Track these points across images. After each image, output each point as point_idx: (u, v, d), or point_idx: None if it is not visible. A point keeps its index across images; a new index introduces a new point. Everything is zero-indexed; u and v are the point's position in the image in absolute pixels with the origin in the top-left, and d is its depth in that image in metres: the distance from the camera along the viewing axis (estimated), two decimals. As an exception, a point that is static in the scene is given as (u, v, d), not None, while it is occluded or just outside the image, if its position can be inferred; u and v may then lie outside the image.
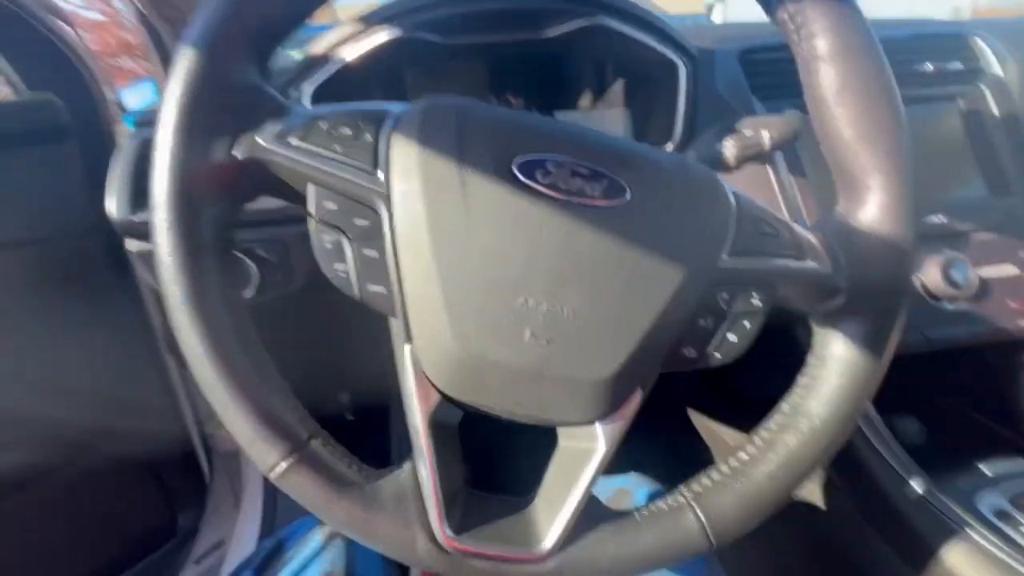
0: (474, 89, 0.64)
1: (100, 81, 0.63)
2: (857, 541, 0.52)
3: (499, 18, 0.52)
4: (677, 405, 0.80)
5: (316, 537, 0.37)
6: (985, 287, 0.51)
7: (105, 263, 0.64)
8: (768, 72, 0.54)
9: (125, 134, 0.66)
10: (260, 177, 0.27)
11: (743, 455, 0.28)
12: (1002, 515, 0.43)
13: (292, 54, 0.67)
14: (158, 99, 0.53)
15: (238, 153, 0.26)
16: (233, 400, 0.24)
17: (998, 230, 0.53)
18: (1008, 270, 0.52)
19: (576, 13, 0.50)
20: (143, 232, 0.45)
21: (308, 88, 0.49)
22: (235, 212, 0.28)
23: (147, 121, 0.45)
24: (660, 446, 0.83)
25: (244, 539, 0.89)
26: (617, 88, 0.60)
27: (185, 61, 0.25)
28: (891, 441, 0.49)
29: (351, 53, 0.49)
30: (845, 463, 0.51)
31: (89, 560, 0.68)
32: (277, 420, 0.25)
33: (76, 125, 0.59)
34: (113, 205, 0.44)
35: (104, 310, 0.66)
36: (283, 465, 0.25)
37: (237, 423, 0.25)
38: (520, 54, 0.59)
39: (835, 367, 0.29)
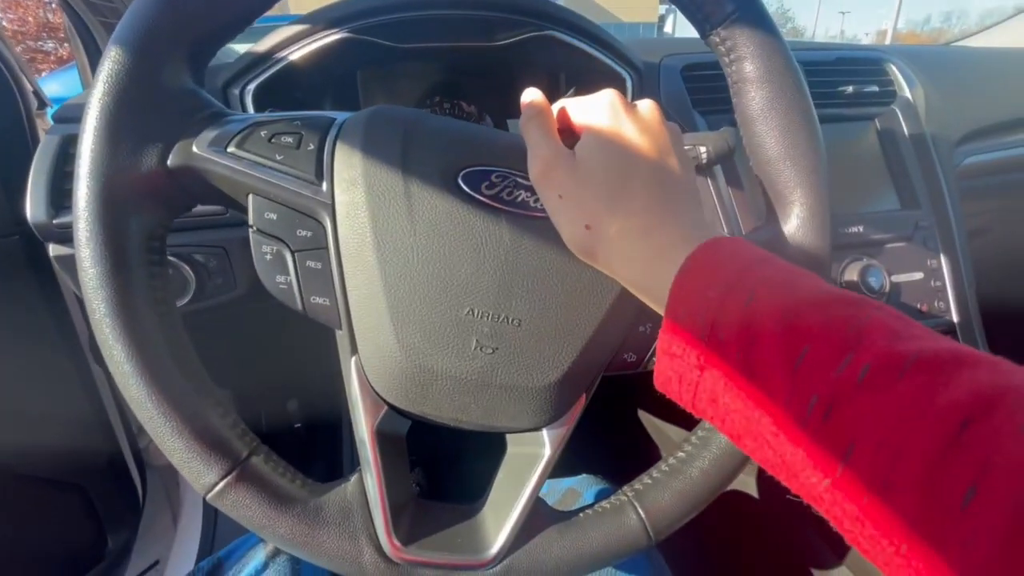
0: (427, 94, 0.63)
1: (15, 66, 0.58)
2: (786, 527, 0.56)
3: (450, 25, 0.52)
4: (626, 406, 0.83)
5: (259, 555, 0.36)
6: (896, 290, 0.56)
7: (24, 266, 0.59)
8: (708, 88, 0.57)
9: (47, 127, 0.61)
10: (195, 186, 0.26)
11: (680, 454, 0.30)
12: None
13: (234, 48, 0.64)
14: (82, 91, 0.50)
15: (171, 161, 0.25)
16: (164, 418, 0.23)
17: (908, 240, 0.58)
18: (916, 276, 0.58)
19: (526, 24, 0.51)
20: (65, 236, 0.42)
21: (251, 87, 0.47)
22: (167, 222, 0.26)
23: (68, 116, 0.42)
24: (611, 447, 0.86)
25: (182, 558, 0.85)
26: (569, 97, 0.62)
27: (112, 61, 0.24)
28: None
29: (297, 52, 0.47)
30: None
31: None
32: (213, 437, 0.24)
33: (-14, 116, 0.54)
34: (31, 207, 0.41)
35: (23, 317, 0.60)
36: (221, 484, 0.24)
37: (169, 442, 0.24)
38: (474, 61, 0.60)
39: None
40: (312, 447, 0.94)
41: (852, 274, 0.54)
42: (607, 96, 0.28)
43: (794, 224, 0.31)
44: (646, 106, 0.28)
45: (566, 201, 0.25)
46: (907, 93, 0.63)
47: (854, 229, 0.56)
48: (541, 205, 0.27)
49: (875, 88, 0.62)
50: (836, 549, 0.47)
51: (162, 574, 0.83)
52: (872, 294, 0.54)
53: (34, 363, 0.62)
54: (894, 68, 0.65)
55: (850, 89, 0.60)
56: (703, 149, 0.41)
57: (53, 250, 0.43)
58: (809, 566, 0.51)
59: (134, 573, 0.80)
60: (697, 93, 0.57)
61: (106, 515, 0.74)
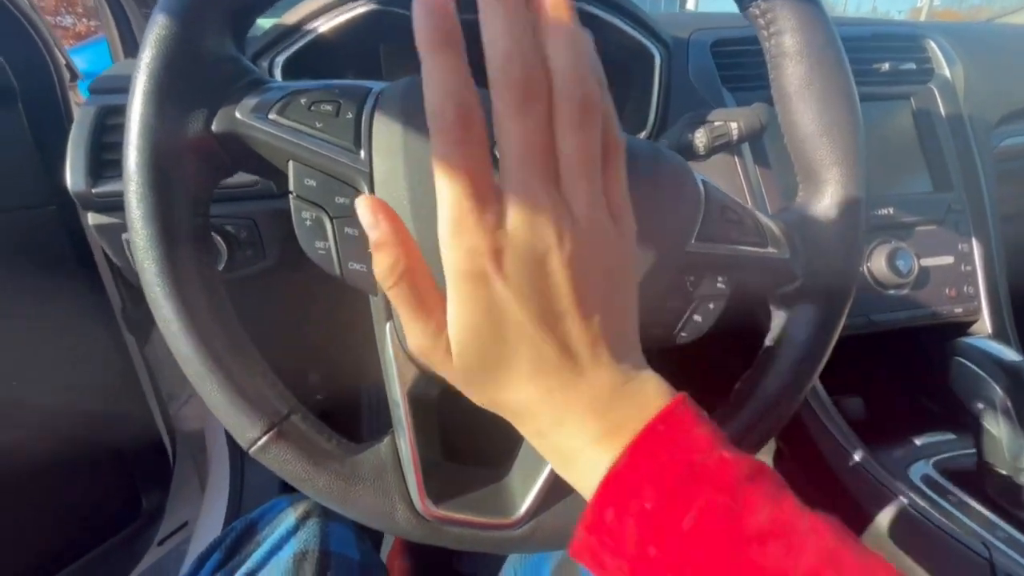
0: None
1: (50, 41, 0.59)
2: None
3: (478, -4, 0.51)
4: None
5: (289, 517, 0.38)
6: (925, 275, 0.56)
7: (58, 238, 0.61)
8: (738, 64, 0.56)
9: (79, 100, 0.62)
10: (238, 152, 0.27)
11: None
12: (929, 481, 0.48)
13: (263, 22, 0.64)
14: (114, 63, 0.50)
15: (215, 126, 0.26)
16: (212, 374, 0.24)
17: (939, 223, 0.57)
18: (946, 260, 0.57)
19: (555, -4, 0.50)
20: (104, 205, 0.43)
21: (280, 59, 0.48)
22: (211, 186, 0.27)
23: (104, 88, 0.43)
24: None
25: (210, 520, 0.88)
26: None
27: (159, 27, 0.24)
28: (836, 417, 0.53)
29: (325, 24, 0.48)
30: (794, 435, 0.54)
31: (50, 544, 0.66)
32: (256, 394, 0.26)
33: (23, 89, 0.56)
34: (71, 177, 0.42)
35: (58, 288, 0.62)
36: (264, 439, 0.25)
37: (216, 397, 0.25)
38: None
39: (788, 347, 0.31)
40: (333, 420, 0.96)
41: (880, 257, 0.53)
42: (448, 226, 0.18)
43: (827, 203, 0.31)
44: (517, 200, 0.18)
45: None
46: (946, 71, 0.61)
47: (884, 211, 0.55)
48: None
49: (912, 66, 0.60)
50: (854, 528, 0.48)
51: (190, 535, 0.87)
52: (900, 278, 0.53)
53: (69, 331, 0.65)
54: (933, 45, 0.62)
55: (886, 66, 0.58)
56: (734, 125, 0.40)
57: (92, 219, 0.45)
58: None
59: (165, 532, 0.84)
60: (726, 69, 0.56)
61: (140, 477, 0.78)
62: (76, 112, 0.44)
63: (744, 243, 0.29)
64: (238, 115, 0.26)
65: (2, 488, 0.58)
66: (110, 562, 0.71)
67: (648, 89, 0.54)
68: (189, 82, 0.25)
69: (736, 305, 0.31)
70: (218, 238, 0.47)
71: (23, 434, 0.61)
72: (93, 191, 0.42)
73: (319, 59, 0.51)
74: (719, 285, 0.30)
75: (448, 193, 0.18)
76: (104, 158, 0.42)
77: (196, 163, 0.26)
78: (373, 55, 0.62)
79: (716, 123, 0.41)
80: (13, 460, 0.58)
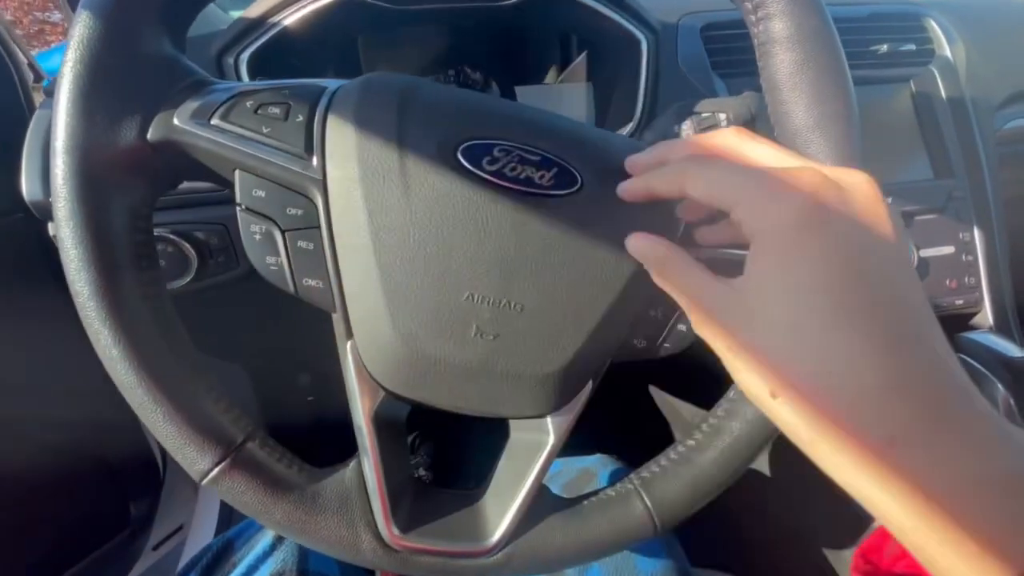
0: (431, 60, 0.60)
1: (9, 39, 0.57)
2: (800, 507, 0.55)
3: (453, -17, 0.49)
4: (638, 383, 0.82)
5: (266, 536, 0.36)
6: (924, 266, 0.54)
7: (29, 244, 0.59)
8: (729, 49, 0.53)
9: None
10: (178, 161, 0.25)
11: (690, 441, 0.29)
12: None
13: (229, 14, 0.62)
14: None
15: (151, 134, 0.24)
16: (155, 404, 0.23)
17: (940, 212, 0.55)
18: (947, 250, 0.55)
19: (534, -19, 0.48)
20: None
21: (244, 56, 0.45)
22: (151, 199, 0.25)
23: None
24: (623, 424, 0.85)
25: (205, 522, 0.88)
26: (580, 63, 0.59)
27: (83, 26, 0.22)
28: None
29: (290, 17, 0.45)
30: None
31: (34, 558, 0.65)
32: (207, 422, 0.24)
33: (-18, 90, 0.53)
34: (26, 186, 0.40)
35: (34, 295, 0.61)
36: (215, 471, 0.23)
37: (161, 428, 0.23)
38: (480, 23, 0.56)
39: None
40: (325, 420, 0.95)
41: (878, 249, 0.51)
42: (770, 172, 0.18)
43: None
44: (855, 182, 0.18)
45: (740, 356, 0.19)
46: (947, 52, 0.59)
47: (883, 201, 0.53)
48: (548, 182, 0.25)
49: (912, 47, 0.57)
50: (848, 530, 0.46)
51: (186, 538, 0.86)
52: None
53: (47, 340, 0.63)
54: (933, 24, 0.60)
55: (884, 48, 0.56)
56: (722, 116, 0.38)
57: (52, 228, 0.43)
58: (821, 546, 0.51)
59: (158, 539, 0.83)
60: (717, 55, 0.54)
61: (128, 485, 0.77)
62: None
63: (726, 246, 0.27)
64: (176, 121, 0.24)
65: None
66: (98, 574, 0.70)
67: (635, 77, 0.51)
68: (119, 86, 0.23)
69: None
70: (187, 245, 0.45)
71: (3, 446, 0.60)
72: (50, 199, 0.40)
73: (291, 54, 0.49)
74: None
75: None
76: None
77: (132, 175, 0.24)
78: (352, 47, 0.60)
79: (704, 114, 0.39)
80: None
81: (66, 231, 0.22)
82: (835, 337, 0.17)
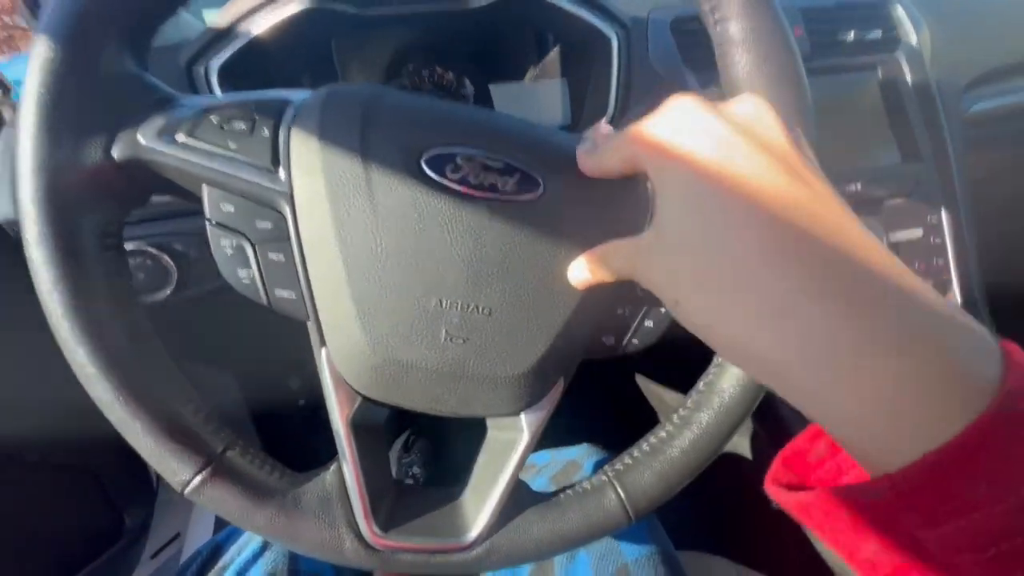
0: (405, 60, 0.60)
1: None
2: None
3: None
4: (628, 374, 0.83)
5: (255, 539, 0.37)
6: (894, 250, 0.55)
7: (11, 259, 0.58)
8: (700, 43, 0.54)
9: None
10: (146, 179, 0.25)
11: (662, 433, 0.30)
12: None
13: (198, 23, 0.61)
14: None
15: (116, 153, 0.24)
16: (134, 419, 0.23)
17: (908, 196, 0.56)
18: (915, 233, 0.56)
19: (501, -18, 0.48)
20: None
21: (214, 65, 0.45)
22: (120, 217, 0.25)
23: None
24: (610, 412, 0.86)
25: (201, 528, 0.88)
26: (553, 59, 0.59)
27: (42, 48, 0.22)
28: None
29: (258, 26, 0.45)
30: (768, 416, 0.54)
31: (30, 570, 0.65)
32: (186, 433, 0.24)
33: (-50, 106, 0.53)
34: (-3, 203, 0.40)
35: (17, 308, 0.60)
36: (196, 480, 0.24)
37: (141, 442, 0.24)
38: (451, 24, 0.56)
39: None
40: (316, 424, 0.96)
41: (848, 235, 0.53)
42: (674, 114, 0.20)
43: None
44: (749, 110, 0.19)
45: (661, 291, 0.21)
46: (912, 39, 0.60)
47: (852, 187, 0.54)
48: (511, 188, 0.25)
49: (879, 34, 0.58)
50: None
51: (183, 545, 0.87)
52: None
53: (33, 352, 0.63)
54: (900, 11, 0.61)
55: (851, 36, 0.57)
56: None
57: (28, 246, 0.43)
58: (804, 528, 0.52)
59: (154, 547, 0.84)
60: (688, 49, 0.54)
61: (120, 496, 0.77)
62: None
63: None
64: (141, 139, 0.24)
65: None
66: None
67: (607, 73, 0.52)
68: (82, 107, 0.23)
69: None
70: (166, 258, 0.45)
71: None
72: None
73: (265, 61, 0.49)
74: None
75: None
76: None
77: (99, 195, 0.24)
78: (327, 51, 0.60)
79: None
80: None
81: (36, 253, 0.23)
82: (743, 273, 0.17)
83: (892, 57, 0.59)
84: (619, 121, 0.53)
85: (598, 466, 0.49)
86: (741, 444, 0.63)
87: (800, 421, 0.53)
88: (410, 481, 0.88)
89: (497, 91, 0.58)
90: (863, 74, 0.59)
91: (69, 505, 0.69)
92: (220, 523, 0.88)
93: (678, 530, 0.45)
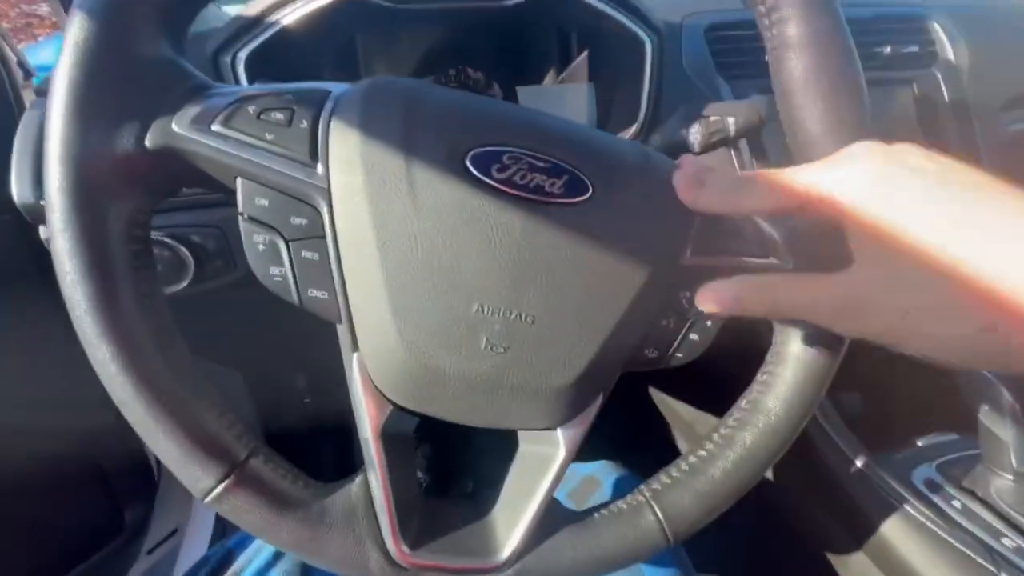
0: (431, 59, 0.59)
1: (-2, 36, 0.55)
2: (803, 513, 0.55)
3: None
4: (638, 387, 0.82)
5: (268, 546, 0.36)
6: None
7: (19, 247, 0.57)
8: (735, 51, 0.53)
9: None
10: (178, 169, 0.24)
11: (702, 452, 0.29)
12: (932, 485, 0.46)
13: (226, 11, 0.60)
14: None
15: (149, 141, 0.23)
16: (155, 421, 0.22)
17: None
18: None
19: (537, -20, 0.47)
20: (54, 218, 0.40)
21: (242, 55, 0.44)
22: (149, 208, 0.24)
23: (48, 90, 0.40)
24: (624, 429, 0.85)
25: (199, 526, 0.87)
26: (581, 62, 0.58)
27: (77, 30, 0.21)
28: (835, 418, 0.52)
29: (290, 16, 0.44)
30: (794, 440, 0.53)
31: (30, 562, 0.64)
32: (209, 439, 0.23)
33: (-30, 88, 0.52)
34: (16, 188, 0.39)
35: (23, 300, 0.59)
36: (218, 489, 0.23)
37: (162, 446, 0.22)
38: (480, 22, 0.56)
39: (792, 364, 0.29)
40: (323, 423, 0.95)
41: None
42: (860, 167, 0.22)
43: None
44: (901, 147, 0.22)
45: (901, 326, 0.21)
46: (949, 54, 0.59)
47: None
48: (558, 189, 0.24)
49: (915, 48, 0.57)
50: (855, 535, 0.46)
51: (181, 541, 0.86)
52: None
53: (39, 346, 0.62)
54: (936, 26, 0.59)
55: (888, 50, 0.56)
56: (731, 120, 0.38)
57: (43, 232, 0.41)
58: (825, 551, 0.51)
59: (154, 540, 0.82)
60: (722, 56, 0.53)
61: (121, 491, 0.76)
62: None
63: (743, 254, 0.27)
64: (175, 128, 0.23)
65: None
66: (94, 578, 0.69)
67: (639, 80, 0.51)
68: (116, 92, 0.22)
69: (735, 321, 0.28)
70: (183, 249, 0.44)
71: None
72: (41, 203, 0.39)
73: (290, 53, 0.48)
74: None
75: None
76: (52, 167, 0.39)
77: (130, 184, 0.23)
78: (349, 47, 0.59)
79: (712, 118, 0.38)
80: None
81: (61, 242, 0.21)
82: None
83: (929, 72, 0.58)
84: (650, 128, 0.52)
85: (619, 484, 0.48)
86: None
87: (826, 443, 0.52)
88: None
89: (524, 93, 0.57)
90: (898, 88, 0.58)
91: (70, 499, 0.68)
92: (220, 524, 0.87)
93: (696, 551, 0.43)
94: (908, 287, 0.20)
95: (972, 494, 0.44)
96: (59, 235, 0.21)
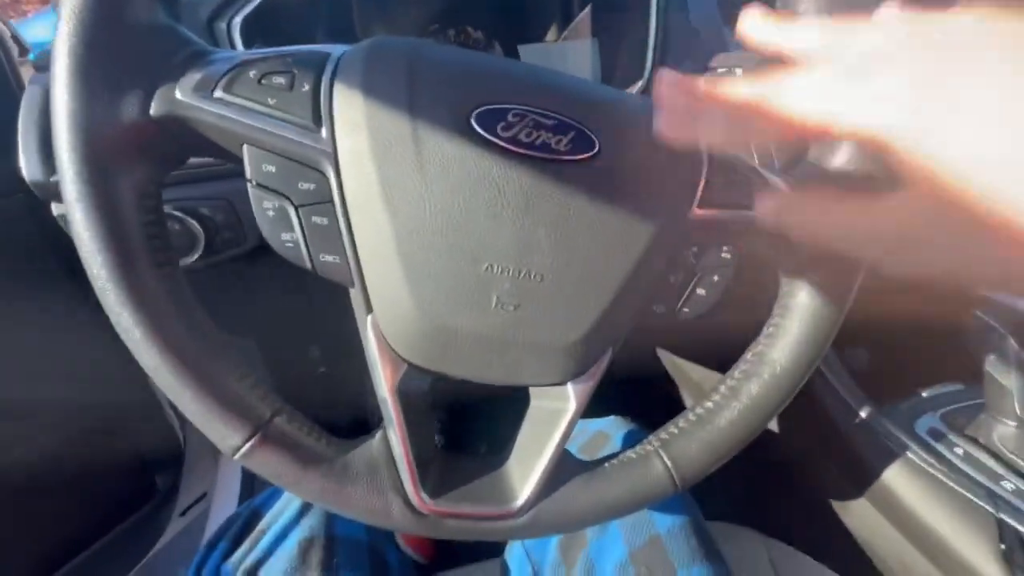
0: (429, 19, 0.58)
1: (-11, 11, 0.54)
2: (808, 463, 0.57)
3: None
4: (653, 352, 0.82)
5: (293, 503, 0.37)
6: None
7: (32, 225, 0.58)
8: (741, 1, 0.51)
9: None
10: (185, 137, 0.24)
11: (708, 403, 0.29)
12: (935, 434, 0.47)
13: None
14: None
15: (154, 110, 0.23)
16: (183, 384, 0.23)
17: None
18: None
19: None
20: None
21: (237, 20, 0.43)
22: (159, 177, 0.24)
23: (49, 64, 0.39)
24: (637, 388, 0.86)
25: (226, 489, 0.91)
26: (584, 18, 0.56)
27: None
28: (840, 372, 0.52)
29: (283, -22, 0.43)
30: (799, 392, 0.54)
31: (67, 529, 0.68)
32: (235, 399, 0.24)
33: (-33, 67, 0.51)
34: (25, 166, 0.39)
35: (41, 276, 0.61)
36: (247, 445, 0.24)
37: (192, 407, 0.23)
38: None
39: (798, 316, 0.29)
40: (337, 391, 0.97)
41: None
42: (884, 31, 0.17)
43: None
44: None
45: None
46: None
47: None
48: (564, 147, 0.24)
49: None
50: (858, 483, 0.48)
51: (209, 504, 0.90)
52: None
53: (57, 321, 0.63)
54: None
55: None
56: (739, 71, 0.37)
57: (56, 208, 0.42)
58: (830, 499, 0.52)
59: (184, 504, 0.87)
60: (729, 7, 0.51)
61: (151, 459, 0.79)
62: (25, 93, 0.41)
63: (750, 207, 0.27)
64: (179, 95, 0.23)
65: (12, 480, 0.58)
66: (131, 539, 0.74)
67: (644, 34, 0.49)
68: (117, 60, 0.22)
69: (742, 275, 0.29)
70: (193, 222, 0.44)
71: (27, 426, 0.61)
72: (52, 179, 0.39)
73: (284, 17, 0.47)
74: (724, 255, 0.28)
75: None
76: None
77: (137, 153, 0.23)
78: (345, 8, 0.57)
79: (720, 69, 0.37)
80: (20, 452, 0.58)
81: (77, 214, 0.22)
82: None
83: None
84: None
85: (628, 438, 0.49)
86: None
87: (831, 396, 0.52)
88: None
89: (525, 51, 0.56)
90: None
91: (106, 467, 0.71)
92: (246, 484, 0.91)
93: (705, 500, 0.45)
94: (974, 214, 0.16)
95: (975, 441, 0.45)
96: (74, 206, 0.22)
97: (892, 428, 0.47)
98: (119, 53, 0.22)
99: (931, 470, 0.43)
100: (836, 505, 0.52)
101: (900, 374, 0.55)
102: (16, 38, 0.57)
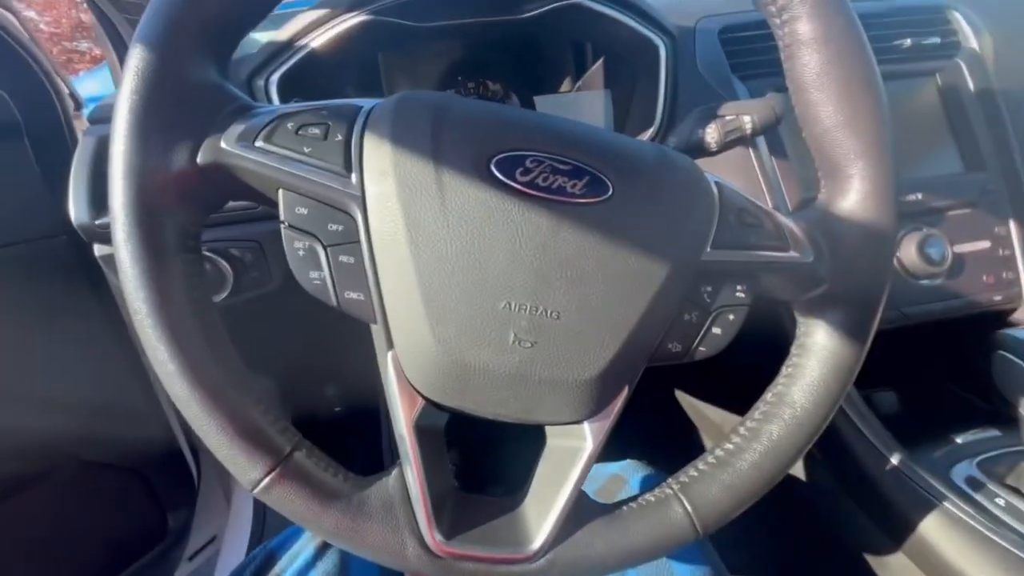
0: (450, 74, 0.62)
1: (51, 70, 0.60)
2: (838, 513, 0.54)
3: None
4: (663, 387, 0.81)
5: (309, 547, 0.37)
6: (960, 262, 0.52)
7: (72, 265, 0.61)
8: (749, 51, 0.53)
9: (83, 128, 0.62)
10: (226, 183, 0.26)
11: (728, 445, 0.29)
12: (973, 483, 0.45)
13: (257, 38, 0.64)
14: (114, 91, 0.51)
15: (200, 158, 0.25)
16: (209, 416, 0.24)
17: (973, 206, 0.54)
18: (982, 245, 0.53)
19: (552, -7, 0.49)
20: (108, 237, 0.43)
21: (275, 78, 0.47)
22: (200, 219, 0.26)
23: (103, 117, 0.43)
24: (649, 428, 0.84)
25: (237, 534, 0.89)
26: (597, 70, 0.59)
27: (137, 59, 0.24)
28: (869, 415, 0.51)
29: (318, 39, 0.47)
30: (825, 438, 0.52)
31: (79, 567, 0.67)
32: (257, 434, 0.25)
33: (28, 121, 0.56)
34: (74, 210, 0.42)
35: (77, 314, 0.63)
36: (266, 480, 0.24)
37: (215, 439, 0.24)
38: (497, 36, 0.57)
39: (817, 356, 0.29)
40: (352, 431, 0.97)
41: (910, 246, 0.50)
42: None
43: (853, 199, 0.29)
44: None
45: None
46: (973, 43, 0.58)
47: (912, 197, 0.52)
48: (580, 191, 0.25)
49: (936, 40, 0.56)
50: (893, 534, 0.45)
51: (219, 548, 0.88)
52: (933, 267, 0.50)
53: (89, 357, 0.65)
54: (957, 16, 0.59)
55: (908, 42, 0.55)
56: (747, 119, 0.38)
57: (98, 250, 0.45)
58: (863, 551, 0.50)
59: (194, 547, 0.85)
60: (737, 57, 0.54)
61: (164, 497, 0.79)
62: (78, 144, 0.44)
63: (764, 247, 0.27)
64: (223, 145, 0.25)
65: (26, 513, 0.59)
66: (140, 583, 0.72)
67: (654, 83, 0.52)
68: (171, 114, 0.24)
69: (758, 314, 0.29)
70: (223, 262, 0.46)
71: (45, 460, 0.62)
72: (96, 223, 0.42)
73: (317, 74, 0.51)
74: (739, 294, 0.28)
75: None
76: (106, 189, 0.42)
77: (183, 198, 0.25)
78: (372, 65, 0.62)
79: (728, 117, 0.39)
80: (36, 486, 0.59)
81: (124, 252, 0.23)
82: None
83: (952, 63, 0.57)
84: (667, 130, 0.52)
85: (645, 481, 0.48)
86: (796, 467, 0.60)
87: (859, 440, 0.51)
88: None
89: (541, 102, 0.59)
90: (921, 80, 0.57)
91: (117, 502, 0.71)
92: (256, 529, 0.90)
93: (727, 552, 0.43)
94: None
95: (1016, 491, 0.42)
96: (122, 246, 0.23)
97: (927, 476, 0.45)
98: (174, 107, 0.24)
99: (972, 522, 0.41)
100: (870, 558, 0.49)
101: (930, 418, 0.53)
102: (73, 94, 0.62)
